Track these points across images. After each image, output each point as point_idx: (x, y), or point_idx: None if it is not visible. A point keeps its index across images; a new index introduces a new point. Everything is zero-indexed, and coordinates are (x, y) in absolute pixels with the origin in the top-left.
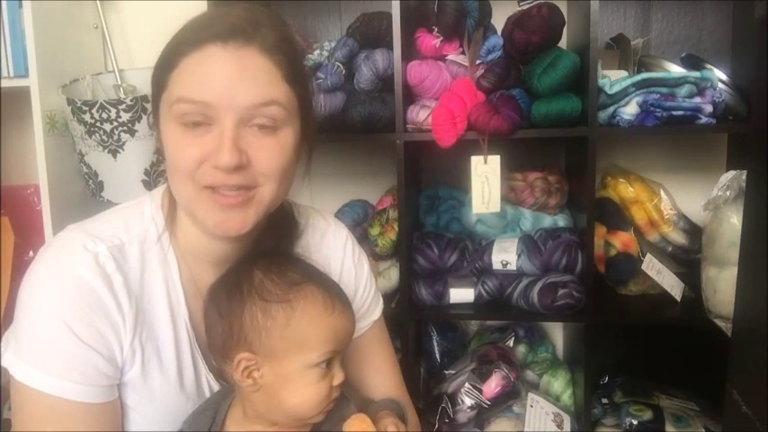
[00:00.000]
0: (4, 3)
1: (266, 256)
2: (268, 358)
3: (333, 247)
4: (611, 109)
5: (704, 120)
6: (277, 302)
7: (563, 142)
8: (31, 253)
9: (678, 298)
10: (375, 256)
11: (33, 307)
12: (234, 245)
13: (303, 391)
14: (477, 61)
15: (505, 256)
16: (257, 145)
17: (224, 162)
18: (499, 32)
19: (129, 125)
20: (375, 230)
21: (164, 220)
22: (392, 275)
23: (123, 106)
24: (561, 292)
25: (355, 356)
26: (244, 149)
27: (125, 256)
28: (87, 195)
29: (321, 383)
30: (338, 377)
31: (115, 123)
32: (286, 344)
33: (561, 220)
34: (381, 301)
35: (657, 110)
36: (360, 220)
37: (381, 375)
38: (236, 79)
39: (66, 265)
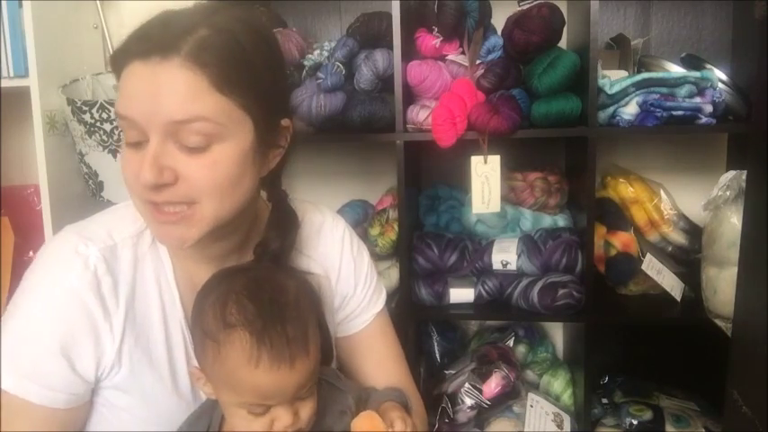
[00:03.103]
0: (3, 3)
1: (247, 275)
2: (210, 380)
3: (330, 241)
4: (611, 109)
5: (704, 120)
6: (209, 338)
7: (563, 142)
8: (31, 253)
9: (678, 298)
10: (375, 256)
11: (19, 310)
12: (225, 242)
13: (237, 424)
14: (477, 61)
15: (505, 256)
16: (186, 162)
17: (143, 179)
18: (499, 32)
19: None
20: (375, 230)
21: None
22: (392, 275)
23: None
24: (561, 292)
25: (358, 349)
26: (169, 166)
27: (117, 257)
28: (87, 195)
29: (254, 423)
30: (281, 420)
31: (115, 123)
32: (216, 378)
33: (561, 220)
34: (384, 292)
35: (657, 110)
36: (360, 220)
37: (386, 367)
38: (154, 96)
39: (54, 273)
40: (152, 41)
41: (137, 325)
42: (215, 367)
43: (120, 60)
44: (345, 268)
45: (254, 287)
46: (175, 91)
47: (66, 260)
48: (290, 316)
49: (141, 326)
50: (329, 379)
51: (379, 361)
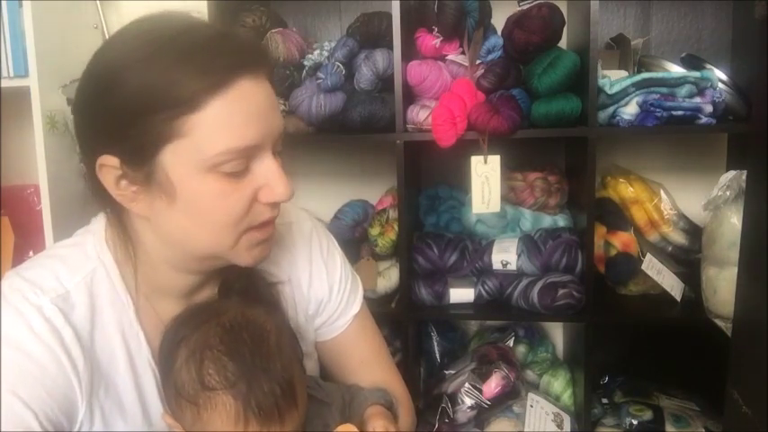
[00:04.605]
0: (3, 3)
1: (219, 321)
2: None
3: (297, 243)
4: (611, 109)
5: (704, 120)
6: (185, 399)
7: (563, 142)
8: (31, 253)
9: (678, 298)
10: (375, 256)
11: None
12: (202, 276)
13: None
14: (477, 61)
15: (505, 256)
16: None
17: (285, 194)
18: (499, 32)
19: None
20: (375, 230)
21: (111, 256)
22: (392, 275)
23: None
24: (561, 292)
25: (339, 352)
26: None
27: (72, 305)
28: (87, 195)
29: None
30: None
31: None
32: None
33: (561, 220)
34: (360, 289)
35: (657, 110)
36: (360, 220)
37: (369, 366)
38: (271, 113)
39: (16, 325)
40: (255, 54)
41: (103, 374)
42: (195, 427)
43: (205, 81)
44: (316, 272)
45: (231, 339)
46: (276, 104)
47: (23, 312)
48: (275, 368)
49: (108, 374)
50: (310, 391)
51: (362, 361)
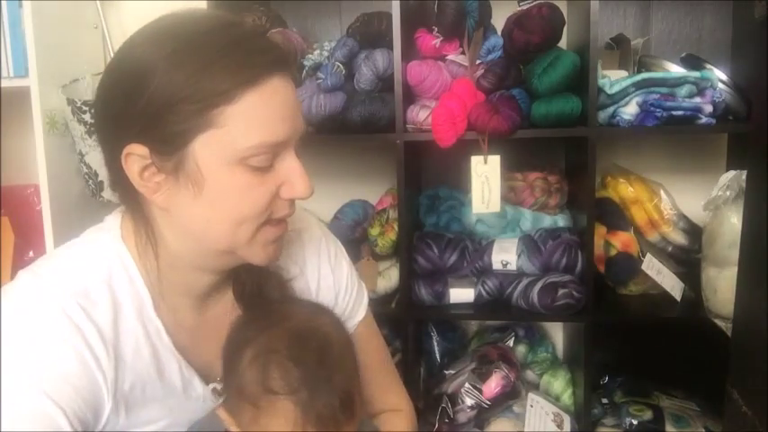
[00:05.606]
0: (3, 3)
1: (285, 326)
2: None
3: (306, 250)
4: (611, 109)
5: (704, 120)
6: (246, 400)
7: (563, 142)
8: (31, 253)
9: (678, 298)
10: (375, 256)
11: (5, 371)
12: (217, 277)
13: None
14: (477, 61)
15: (505, 256)
16: None
17: (306, 192)
18: (499, 32)
19: None
20: (375, 230)
21: (128, 252)
22: (392, 275)
23: None
24: (561, 292)
25: None
26: None
27: (93, 301)
28: (87, 195)
29: None
30: None
31: None
32: None
33: (561, 220)
34: (366, 297)
35: (657, 110)
36: (360, 220)
37: (371, 374)
38: (297, 112)
39: (35, 324)
40: (283, 53)
41: (127, 368)
42: (251, 428)
43: (241, 74)
44: (324, 280)
45: (297, 345)
46: (300, 104)
47: (44, 310)
48: (337, 379)
49: (133, 367)
50: None
51: (363, 369)
